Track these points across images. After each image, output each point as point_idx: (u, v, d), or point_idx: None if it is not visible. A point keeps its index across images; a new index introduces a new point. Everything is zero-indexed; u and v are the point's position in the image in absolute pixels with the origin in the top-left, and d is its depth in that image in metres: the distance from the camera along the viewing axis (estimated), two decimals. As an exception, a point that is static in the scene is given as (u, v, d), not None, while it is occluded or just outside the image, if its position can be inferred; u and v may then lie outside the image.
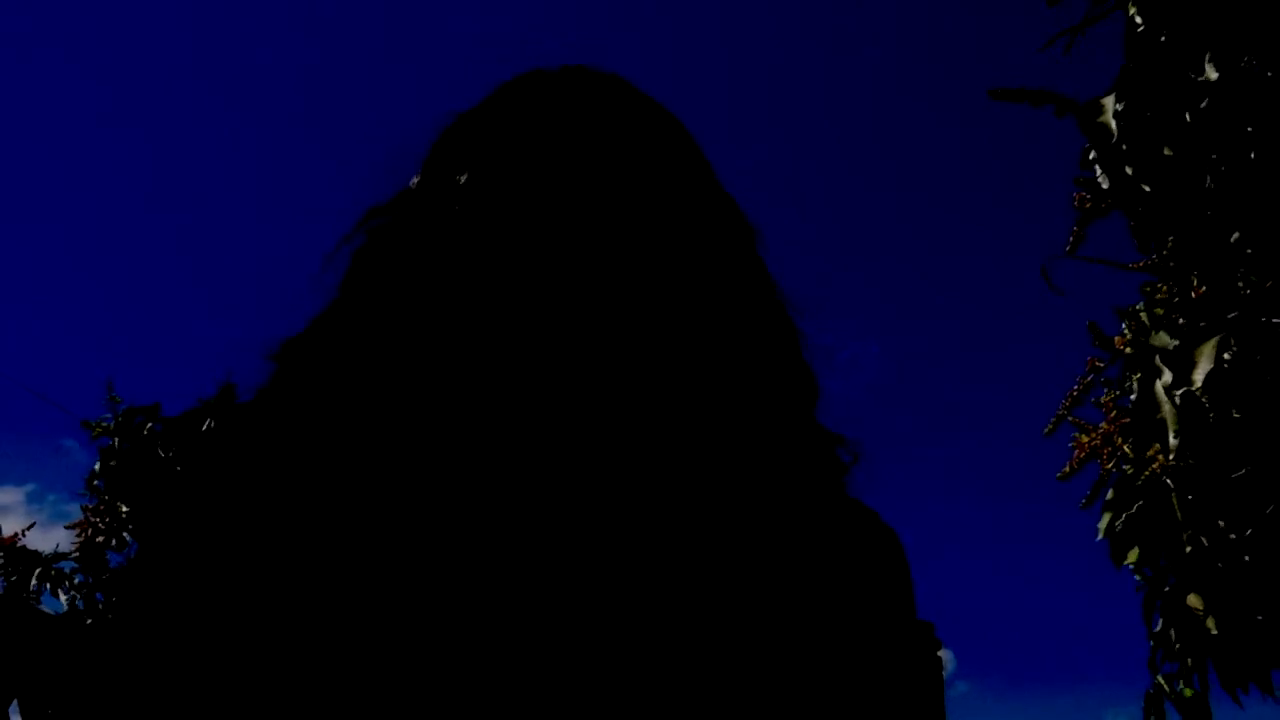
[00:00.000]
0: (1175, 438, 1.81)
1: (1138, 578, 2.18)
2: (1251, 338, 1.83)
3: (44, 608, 2.70)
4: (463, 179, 0.60)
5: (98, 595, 2.76)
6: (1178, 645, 2.10)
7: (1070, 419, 2.24)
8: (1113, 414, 2.17)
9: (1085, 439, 2.21)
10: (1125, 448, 2.14)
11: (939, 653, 0.62)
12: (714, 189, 0.64)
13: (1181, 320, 1.94)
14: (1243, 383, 1.85)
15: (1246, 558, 1.95)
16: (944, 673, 0.64)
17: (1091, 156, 1.83)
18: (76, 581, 2.86)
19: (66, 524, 3.01)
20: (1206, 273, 1.87)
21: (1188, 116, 1.72)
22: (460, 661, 0.50)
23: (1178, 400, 1.82)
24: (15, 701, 2.38)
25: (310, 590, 0.52)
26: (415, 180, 0.64)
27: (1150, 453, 2.06)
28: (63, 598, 2.76)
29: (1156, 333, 1.94)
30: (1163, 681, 2.14)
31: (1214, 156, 1.71)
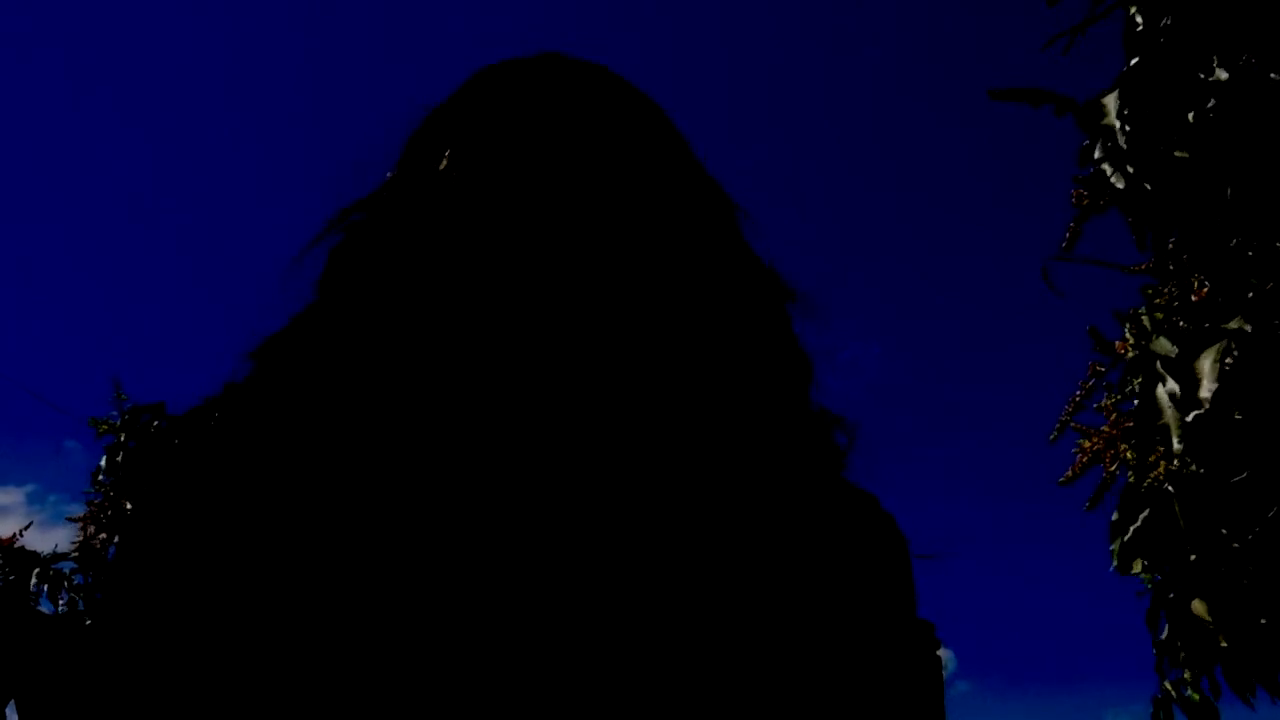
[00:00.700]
0: (1179, 443, 1.80)
1: (1145, 580, 2.17)
2: (1253, 341, 1.82)
3: (41, 609, 2.70)
4: (439, 172, 0.59)
5: (97, 595, 2.76)
6: (1183, 654, 2.09)
7: (1073, 425, 2.23)
8: (1114, 417, 2.17)
9: (1088, 444, 2.20)
10: (1127, 454, 2.13)
11: (939, 652, 0.62)
12: (695, 172, 0.63)
13: (1182, 323, 1.94)
14: (1244, 386, 1.84)
15: (1250, 562, 1.94)
16: (944, 672, 0.63)
17: (1096, 155, 1.82)
18: (75, 583, 2.86)
19: (69, 517, 3.01)
20: (1209, 274, 1.86)
21: (1190, 116, 1.71)
22: (457, 661, 0.50)
23: (1179, 406, 1.82)
24: (12, 701, 2.38)
25: (303, 589, 0.51)
26: (391, 175, 0.63)
27: (1152, 459, 2.05)
28: (61, 601, 2.76)
29: (1157, 338, 1.93)
30: (1170, 688, 2.13)
31: (1217, 157, 1.70)
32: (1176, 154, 1.71)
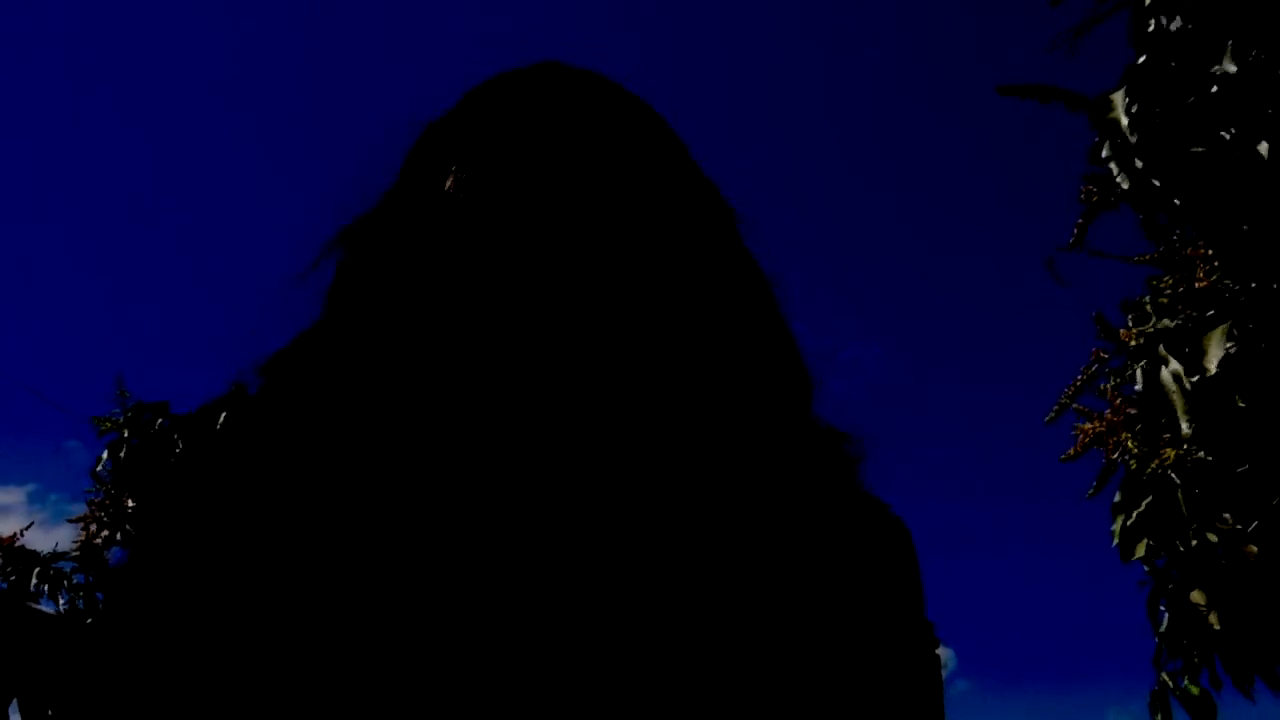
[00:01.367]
0: (1188, 426, 1.80)
1: (1146, 568, 2.17)
2: (1257, 330, 1.82)
3: (43, 609, 2.71)
4: (441, 186, 0.60)
5: (97, 595, 2.77)
6: (1184, 642, 2.09)
7: (1075, 407, 2.23)
8: (1117, 401, 2.16)
9: (1089, 427, 2.20)
10: (1129, 442, 2.13)
11: (938, 651, 0.62)
12: (693, 178, 0.63)
13: (1190, 311, 1.93)
14: (1247, 375, 1.84)
15: (1251, 551, 1.94)
16: (944, 671, 0.63)
17: (1104, 154, 1.82)
18: (76, 582, 2.86)
19: (70, 519, 3.02)
20: (1220, 264, 1.86)
21: (1198, 112, 1.71)
22: (459, 663, 0.50)
23: (1188, 385, 1.81)
24: (15, 701, 2.39)
25: (306, 591, 0.51)
26: (392, 188, 0.64)
27: (1157, 445, 2.05)
28: (61, 601, 2.76)
29: (1161, 319, 1.93)
30: (1168, 679, 2.13)
31: (1225, 151, 1.70)
32: (1193, 150, 1.71)
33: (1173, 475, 2.02)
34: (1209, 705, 2.09)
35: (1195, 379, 1.79)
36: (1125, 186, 1.74)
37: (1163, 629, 2.12)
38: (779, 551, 0.56)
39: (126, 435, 3.05)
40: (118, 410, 3.15)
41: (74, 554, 2.89)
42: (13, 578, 2.72)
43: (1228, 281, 1.85)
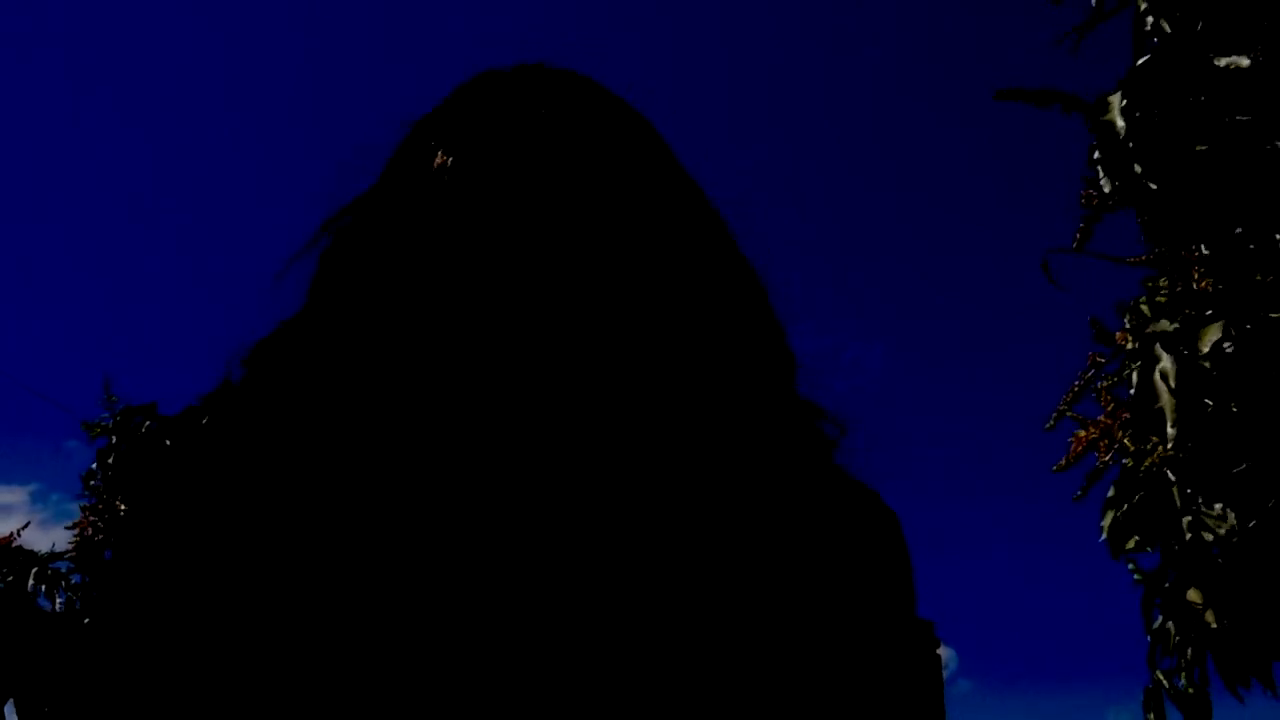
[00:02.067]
0: (1174, 427, 1.81)
1: (1131, 567, 2.17)
2: (1252, 332, 1.82)
3: (40, 608, 2.70)
4: (426, 182, 0.60)
5: (94, 594, 2.76)
6: (1176, 639, 2.09)
7: (1070, 414, 2.23)
8: (1110, 406, 2.17)
9: (1084, 433, 2.20)
10: (1125, 440, 2.13)
11: (939, 650, 0.62)
12: (676, 176, 0.64)
13: (1187, 311, 1.94)
14: (1242, 377, 1.84)
15: (1247, 552, 1.94)
16: (945, 671, 0.63)
17: (1096, 155, 1.82)
18: (73, 581, 2.86)
19: (67, 526, 3.01)
20: (1214, 267, 1.86)
21: (1196, 114, 1.71)
22: (456, 662, 0.50)
23: (1173, 384, 1.82)
24: (10, 701, 2.38)
25: (301, 590, 0.51)
26: (377, 183, 0.64)
27: (1150, 445, 2.06)
28: (58, 600, 2.75)
29: (1158, 320, 1.93)
30: (1162, 677, 2.13)
31: (1222, 152, 1.70)
32: (1190, 151, 1.71)
33: (1167, 472, 2.03)
34: (1204, 705, 2.09)
35: (1189, 372, 1.80)
36: (1107, 190, 1.75)
37: (1155, 627, 2.12)
38: (772, 548, 0.56)
39: (115, 440, 3.04)
40: (106, 415, 3.14)
41: (70, 554, 2.89)
42: (10, 578, 2.71)
43: (1220, 287, 1.86)
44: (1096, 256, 2.10)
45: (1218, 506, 1.93)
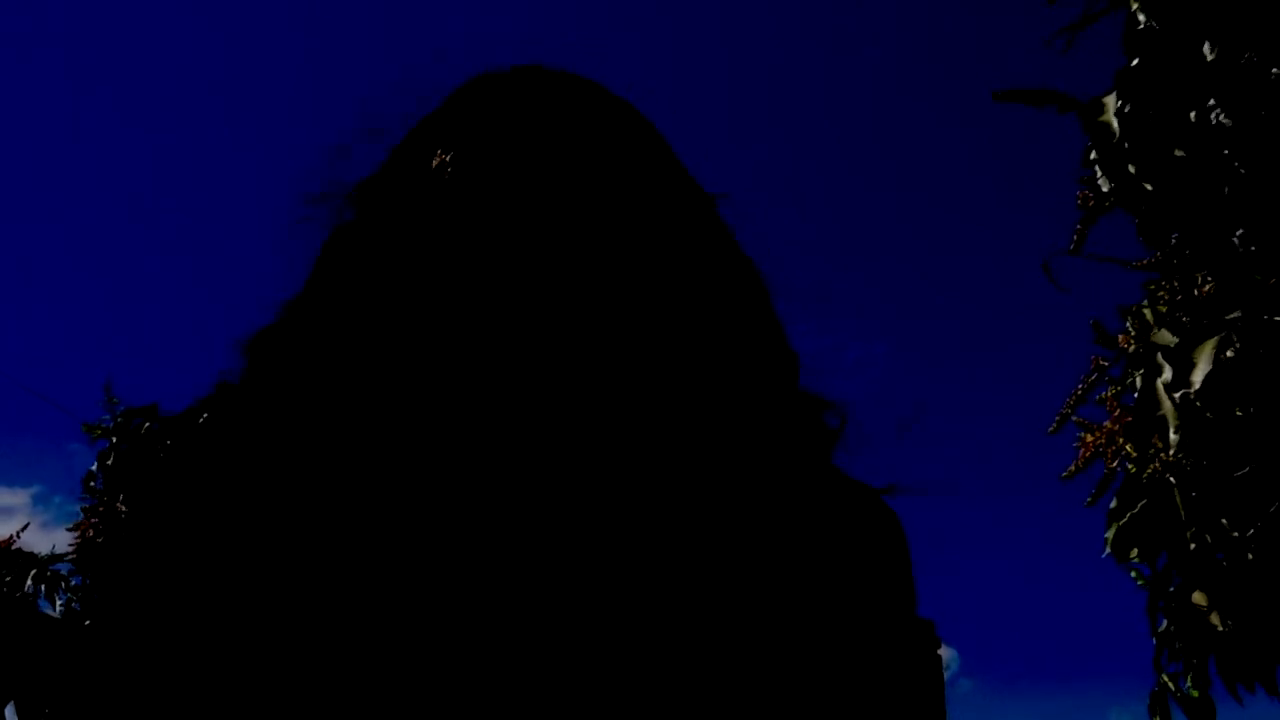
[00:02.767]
0: (1176, 434, 1.81)
1: (1133, 575, 2.16)
2: (1255, 335, 1.82)
3: (40, 610, 2.69)
4: (426, 180, 0.61)
5: (94, 597, 2.76)
6: (1179, 645, 2.08)
7: (1075, 419, 2.23)
8: (1116, 412, 2.16)
9: (1090, 439, 2.20)
10: (1128, 447, 2.13)
11: (939, 650, 0.61)
12: (675, 174, 0.64)
13: (1186, 319, 1.93)
14: (1246, 381, 1.84)
15: (1250, 556, 1.93)
16: (945, 671, 0.63)
17: (1093, 156, 1.82)
18: (74, 584, 2.86)
19: (68, 528, 3.02)
20: (1213, 269, 1.86)
21: (1191, 115, 1.72)
22: (454, 661, 0.50)
23: (1177, 399, 1.82)
24: (11, 703, 2.38)
25: (300, 589, 0.51)
26: (378, 179, 0.65)
27: (1152, 451, 2.05)
28: (58, 602, 2.75)
29: (1159, 330, 1.93)
30: (1168, 680, 2.12)
31: (1218, 153, 1.70)
32: (1176, 153, 1.71)
33: (1170, 478, 2.02)
34: (1208, 708, 2.08)
35: (1180, 394, 1.80)
36: (1105, 189, 1.75)
37: (1160, 630, 2.11)
38: (772, 548, 0.55)
39: (115, 441, 3.05)
40: (107, 417, 3.15)
41: (71, 556, 2.89)
42: (8, 579, 2.71)
43: (1222, 292, 1.85)
44: (1098, 259, 2.10)
45: (1223, 516, 1.93)
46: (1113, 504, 2.14)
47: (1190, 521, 1.97)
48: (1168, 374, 1.84)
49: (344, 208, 0.64)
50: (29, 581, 2.74)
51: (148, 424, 3.03)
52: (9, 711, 2.38)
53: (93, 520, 2.96)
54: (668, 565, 0.53)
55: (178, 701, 0.50)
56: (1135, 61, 1.81)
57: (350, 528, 0.52)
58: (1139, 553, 2.09)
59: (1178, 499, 1.99)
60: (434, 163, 0.61)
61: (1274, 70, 1.66)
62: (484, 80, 0.66)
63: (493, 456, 0.55)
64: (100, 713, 0.52)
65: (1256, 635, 1.96)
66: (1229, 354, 1.81)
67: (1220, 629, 1.94)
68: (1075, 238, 2.05)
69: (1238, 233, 1.77)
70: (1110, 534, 2.11)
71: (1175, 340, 1.86)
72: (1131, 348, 2.06)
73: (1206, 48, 1.65)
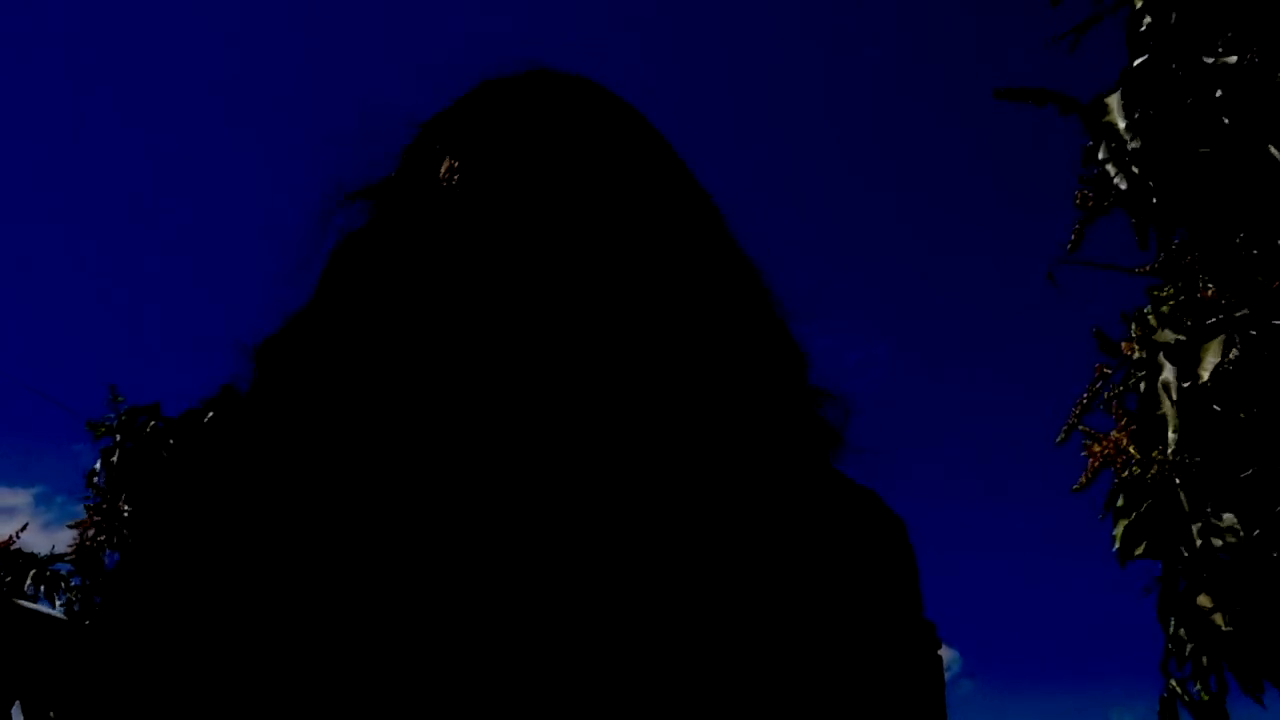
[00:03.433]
0: (1175, 433, 1.81)
1: (1153, 580, 2.16)
2: (1257, 338, 1.82)
3: (41, 608, 2.70)
4: (436, 183, 0.61)
5: (95, 598, 2.77)
6: (1190, 646, 2.08)
7: (1081, 428, 2.23)
8: (1123, 421, 2.16)
9: (1098, 449, 2.20)
10: (1132, 449, 2.13)
11: (940, 651, 0.61)
12: (680, 177, 0.65)
13: (1189, 322, 1.93)
14: (1248, 383, 1.84)
15: (1255, 556, 1.93)
16: (946, 672, 0.62)
17: (1101, 155, 1.83)
18: (73, 584, 2.86)
19: (70, 524, 3.02)
20: (1215, 272, 1.86)
21: (1195, 115, 1.71)
22: (456, 662, 0.50)
23: (1174, 396, 1.82)
24: (17, 703, 2.38)
25: (303, 590, 0.51)
26: (387, 181, 0.65)
27: (1155, 453, 2.05)
28: (58, 602, 2.76)
29: (1162, 329, 1.93)
30: (1176, 685, 2.12)
31: (1222, 155, 1.70)
32: (1191, 153, 1.71)
33: (1175, 479, 2.02)
34: (1220, 713, 2.07)
35: (1189, 384, 1.80)
36: (1124, 187, 1.75)
37: (1171, 633, 2.11)
38: (774, 550, 0.55)
39: (120, 439, 3.06)
40: (111, 415, 3.16)
41: (70, 556, 2.89)
42: (8, 580, 2.72)
43: (1225, 296, 1.85)
44: (1100, 267, 2.10)
45: (1227, 517, 1.93)
46: (1119, 502, 2.14)
47: (1195, 519, 1.96)
48: (1169, 373, 1.84)
49: (353, 213, 0.65)
50: (28, 581, 2.75)
51: (152, 422, 3.03)
52: (15, 712, 2.39)
53: (95, 518, 2.97)
54: (672, 567, 0.53)
55: (181, 702, 0.51)
56: (1138, 62, 1.81)
57: (355, 531, 0.52)
58: (1146, 549, 2.09)
59: (1183, 499, 1.99)
60: (444, 168, 0.61)
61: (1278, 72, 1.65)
62: (492, 84, 0.66)
63: (500, 459, 0.55)
64: (104, 713, 0.52)
65: (1265, 635, 1.95)
66: (1233, 355, 1.81)
67: (1225, 629, 1.94)
68: (1073, 237, 2.06)
69: (1240, 235, 1.77)
70: (1118, 531, 2.11)
71: (1179, 338, 1.86)
72: (1135, 354, 2.06)
73: (1211, 47, 1.65)
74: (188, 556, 0.54)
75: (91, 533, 2.91)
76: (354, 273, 0.62)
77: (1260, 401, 1.85)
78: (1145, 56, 1.79)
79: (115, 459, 2.99)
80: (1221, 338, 1.78)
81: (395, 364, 0.57)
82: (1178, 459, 1.94)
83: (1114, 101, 1.83)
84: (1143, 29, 1.81)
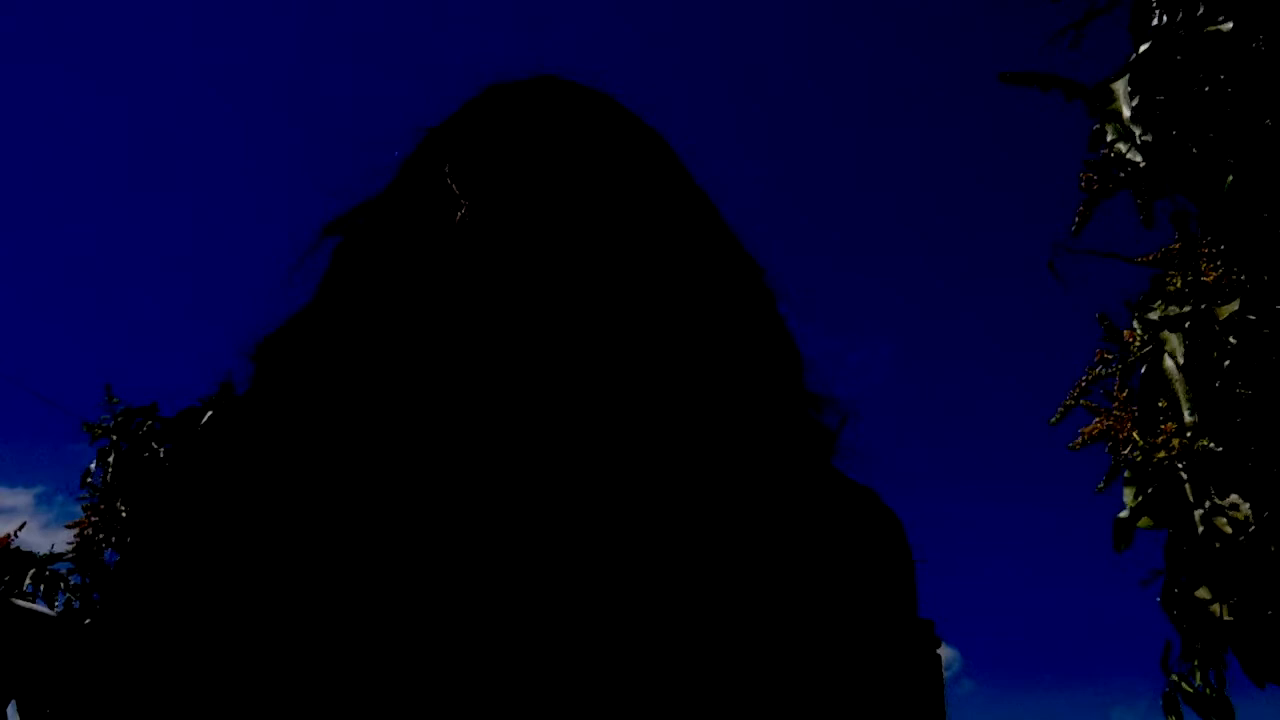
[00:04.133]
0: (1191, 414, 1.80)
1: (1149, 575, 2.15)
2: (1261, 321, 1.81)
3: (38, 608, 2.71)
4: (441, 186, 0.61)
5: (94, 596, 2.78)
6: (1197, 645, 2.08)
7: (1083, 403, 2.23)
8: (1124, 395, 2.15)
9: (1098, 421, 2.19)
10: (1135, 435, 2.12)
11: (939, 650, 0.60)
12: (682, 183, 0.65)
13: (1198, 305, 1.93)
14: (1251, 368, 1.83)
15: (1259, 545, 1.93)
16: (946, 671, 0.62)
17: (1110, 137, 1.82)
18: (73, 583, 2.88)
19: (68, 525, 3.04)
20: (1226, 256, 1.85)
21: (1199, 96, 1.71)
22: (456, 662, 0.50)
23: (1180, 359, 1.81)
24: (13, 702, 2.39)
25: (303, 590, 0.51)
26: (392, 184, 0.65)
27: (1160, 439, 2.05)
28: (59, 600, 2.78)
29: (1166, 306, 1.93)
30: (1178, 679, 2.11)
31: (1227, 140, 1.69)
32: (1198, 136, 1.71)
33: (1179, 466, 2.01)
34: (1225, 708, 2.06)
35: (1199, 354, 1.78)
36: (1139, 160, 1.74)
37: (1174, 625, 2.10)
38: (772, 549, 0.55)
39: (116, 440, 3.07)
40: (108, 417, 3.18)
41: (69, 555, 2.91)
42: (7, 579, 2.73)
43: (1234, 274, 1.85)
44: (1103, 255, 2.10)
45: (1233, 497, 1.92)
46: (1126, 473, 2.13)
47: (1198, 505, 1.96)
48: (1174, 342, 1.83)
49: (356, 215, 0.65)
50: (27, 580, 2.76)
51: (148, 423, 3.05)
52: (10, 711, 2.39)
53: (92, 519, 2.98)
54: (670, 566, 0.53)
55: (180, 702, 0.50)
56: (1144, 47, 1.81)
57: (354, 530, 0.52)
58: (1153, 521, 2.08)
59: (1186, 488, 1.98)
60: (448, 169, 0.62)
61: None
62: (497, 90, 0.67)
63: (499, 459, 0.55)
64: (102, 713, 0.52)
65: (1268, 628, 1.95)
66: (1233, 340, 1.80)
67: (1225, 620, 1.93)
68: (1077, 219, 2.05)
69: (1253, 218, 1.76)
70: (1128, 497, 2.10)
71: (1180, 310, 1.86)
72: (1136, 341, 2.06)
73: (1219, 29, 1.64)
74: (186, 556, 0.53)
75: (89, 533, 2.93)
76: (356, 272, 0.61)
77: (1265, 385, 1.84)
78: (1149, 44, 1.78)
79: (111, 460, 3.01)
80: (1236, 302, 1.78)
81: (396, 363, 0.57)
82: (1187, 443, 1.93)
83: (1119, 88, 1.83)
84: (1149, 17, 1.81)
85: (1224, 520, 1.91)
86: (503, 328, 0.56)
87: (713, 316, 0.61)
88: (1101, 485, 2.20)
